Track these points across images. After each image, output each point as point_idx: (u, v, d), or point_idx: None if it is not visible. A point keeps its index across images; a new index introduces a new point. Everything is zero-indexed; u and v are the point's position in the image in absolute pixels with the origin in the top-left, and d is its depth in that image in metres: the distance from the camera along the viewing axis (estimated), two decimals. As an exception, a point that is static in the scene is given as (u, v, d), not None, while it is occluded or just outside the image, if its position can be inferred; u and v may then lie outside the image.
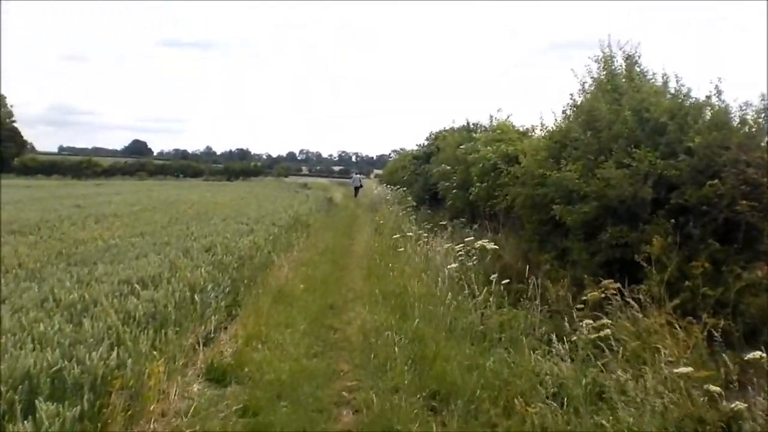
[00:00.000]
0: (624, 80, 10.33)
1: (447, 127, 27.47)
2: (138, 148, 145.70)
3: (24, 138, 75.44)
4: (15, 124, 73.67)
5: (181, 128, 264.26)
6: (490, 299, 8.71)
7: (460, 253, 11.62)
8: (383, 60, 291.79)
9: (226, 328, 8.02)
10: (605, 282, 7.72)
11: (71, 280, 7.71)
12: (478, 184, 15.69)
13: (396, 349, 6.83)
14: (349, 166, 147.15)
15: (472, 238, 10.82)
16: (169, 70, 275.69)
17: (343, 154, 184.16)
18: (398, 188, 32.30)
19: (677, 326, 6.26)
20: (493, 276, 9.55)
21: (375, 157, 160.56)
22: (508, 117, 19.37)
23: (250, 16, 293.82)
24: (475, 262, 10.35)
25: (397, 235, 14.23)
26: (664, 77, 9.91)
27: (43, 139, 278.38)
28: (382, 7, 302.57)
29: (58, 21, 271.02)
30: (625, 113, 9.07)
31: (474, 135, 19.51)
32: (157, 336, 5.96)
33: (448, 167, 19.99)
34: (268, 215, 18.45)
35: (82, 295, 6.73)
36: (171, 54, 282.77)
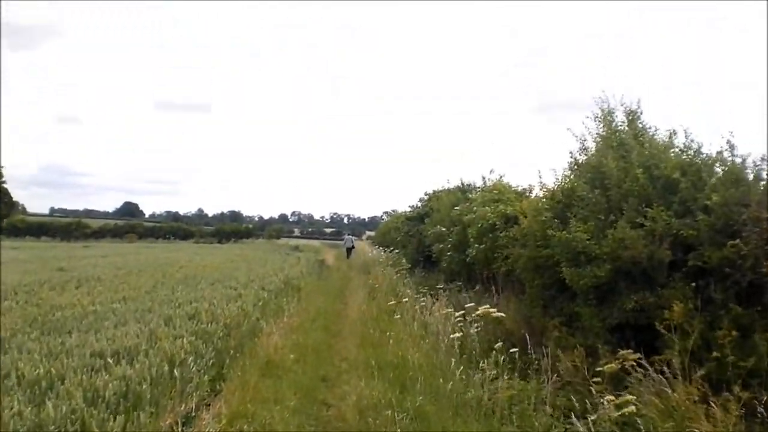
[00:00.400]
0: (628, 136, 9.89)
1: (441, 188, 27.10)
2: (129, 209, 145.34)
3: (13, 199, 74.73)
4: (5, 185, 73.10)
5: (172, 190, 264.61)
6: (496, 370, 8.08)
7: (459, 319, 11.02)
8: (374, 119, 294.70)
9: (209, 405, 7.28)
10: (623, 352, 7.12)
11: (40, 352, 7.05)
12: (476, 245, 15.15)
13: (397, 430, 6.11)
14: (341, 228, 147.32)
15: (473, 304, 10.20)
16: (162, 132, 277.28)
17: (335, 216, 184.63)
18: (391, 250, 31.75)
19: (711, 403, 5.65)
20: (497, 344, 8.95)
21: (367, 219, 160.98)
22: (500, 177, 19.03)
23: (241, 77, 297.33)
24: (477, 330, 9.72)
25: (393, 301, 13.58)
26: (671, 132, 9.47)
27: (35, 201, 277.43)
28: (379, 62, 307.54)
29: (53, 82, 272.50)
30: (636, 170, 8.59)
31: (469, 195, 19.06)
32: (128, 419, 5.28)
33: (443, 229, 19.46)
34: (258, 279, 17.81)
35: (48, 370, 6.06)
36: (164, 117, 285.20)
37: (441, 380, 7.79)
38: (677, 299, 7.33)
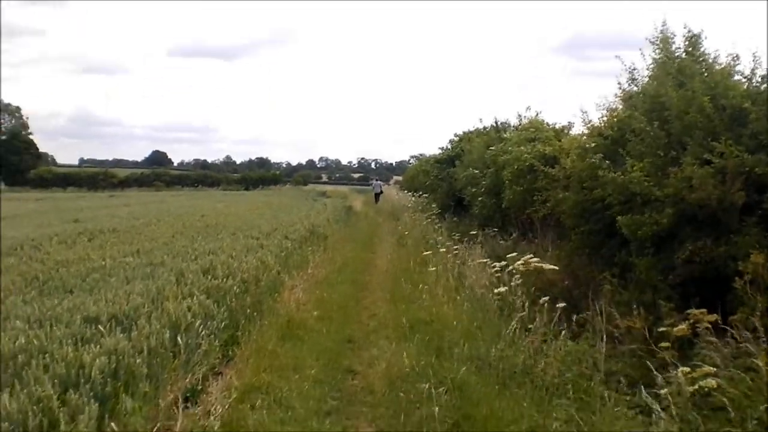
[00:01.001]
0: (687, 62, 8.67)
1: (473, 129, 25.92)
2: (158, 158, 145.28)
3: (40, 150, 74.80)
4: (31, 136, 73.19)
5: (201, 138, 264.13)
6: (544, 330, 7.14)
7: (497, 269, 10.07)
8: (401, 64, 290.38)
9: (220, 374, 6.46)
10: (694, 311, 6.10)
11: (29, 318, 6.23)
12: (512, 188, 14.12)
13: (435, 408, 5.16)
14: (368, 173, 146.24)
15: (515, 254, 9.19)
16: (189, 79, 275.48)
17: (362, 161, 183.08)
18: (420, 194, 30.74)
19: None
20: (543, 299, 7.98)
21: (395, 164, 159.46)
22: (537, 114, 17.87)
23: (269, 21, 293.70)
24: (518, 282, 8.73)
25: (427, 252, 12.58)
26: (733, 57, 8.27)
27: (64, 152, 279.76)
28: (399, 11, 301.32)
29: (79, 33, 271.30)
30: (702, 99, 7.43)
31: (504, 135, 17.88)
32: (114, 405, 4.43)
33: (476, 171, 18.34)
34: (282, 227, 16.93)
35: (29, 342, 5.21)
36: (190, 63, 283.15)
37: (483, 344, 6.87)
38: (753, 248, 6.30)
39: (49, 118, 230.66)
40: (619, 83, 9.95)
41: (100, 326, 5.79)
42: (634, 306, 6.99)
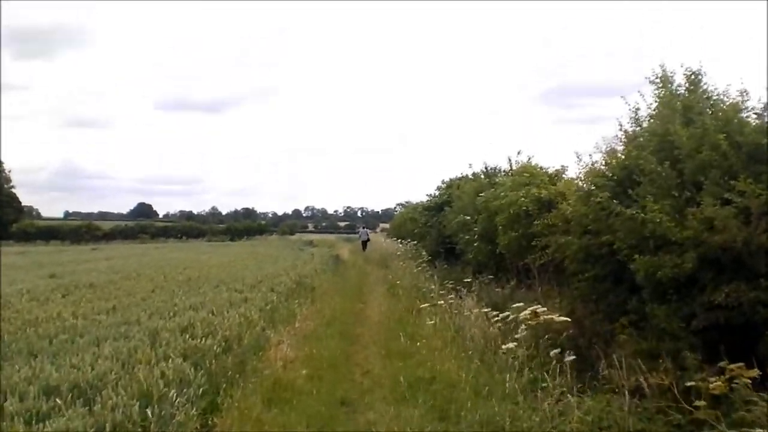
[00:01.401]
0: (691, 101, 8.20)
1: (461, 175, 25.46)
2: (143, 210, 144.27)
3: (22, 203, 73.77)
4: (13, 190, 72.23)
5: (186, 191, 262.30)
6: (557, 385, 6.48)
7: (496, 319, 9.45)
8: (384, 114, 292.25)
9: (196, 449, 5.71)
10: (731, 366, 5.47)
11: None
12: (508, 233, 13.55)
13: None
14: (354, 221, 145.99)
15: (520, 304, 8.55)
16: (174, 132, 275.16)
17: (348, 210, 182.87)
18: (409, 242, 30.15)
19: None
20: (554, 352, 7.36)
21: (380, 211, 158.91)
22: (529, 159, 17.38)
23: (254, 75, 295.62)
24: (524, 335, 8.08)
25: (422, 303, 11.87)
26: (742, 92, 7.78)
27: (50, 205, 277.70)
28: (382, 61, 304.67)
29: (64, 88, 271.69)
30: (716, 137, 6.93)
31: (496, 180, 17.38)
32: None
33: (467, 217, 17.79)
34: (267, 279, 16.23)
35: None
36: (175, 116, 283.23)
37: (493, 404, 6.17)
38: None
39: (35, 172, 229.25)
40: (620, 124, 9.43)
41: (59, 399, 5.06)
42: (659, 358, 6.39)
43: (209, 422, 6.13)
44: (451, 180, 27.53)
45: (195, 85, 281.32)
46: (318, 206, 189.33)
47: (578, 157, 10.88)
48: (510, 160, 18.48)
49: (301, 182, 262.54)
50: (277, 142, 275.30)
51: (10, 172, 72.58)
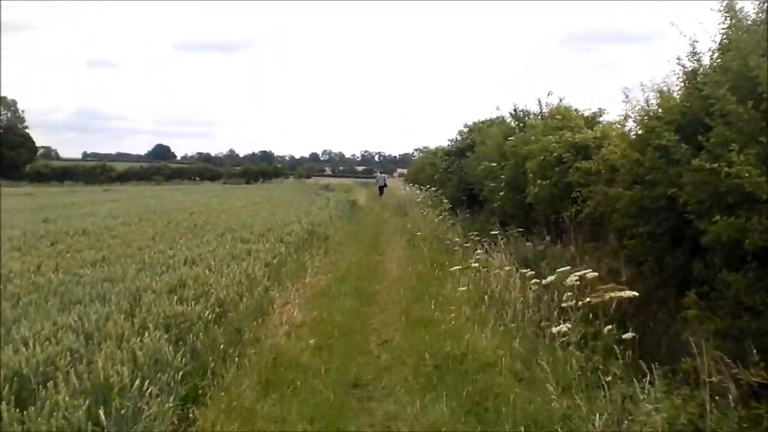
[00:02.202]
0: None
1: (485, 118, 23.97)
2: (161, 152, 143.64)
3: (36, 143, 72.91)
4: (27, 130, 71.38)
5: (204, 132, 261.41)
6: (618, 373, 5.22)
7: (534, 282, 8.17)
8: (404, 57, 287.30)
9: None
10: None
11: None
12: (539, 182, 12.24)
13: None
14: (372, 166, 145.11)
15: (568, 267, 7.24)
16: (193, 73, 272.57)
17: (366, 154, 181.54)
18: (428, 188, 28.84)
19: None
20: (608, 328, 6.11)
21: (398, 156, 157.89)
22: (560, 101, 15.90)
23: (272, 17, 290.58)
24: (573, 307, 6.75)
25: (455, 267, 10.52)
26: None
27: (68, 146, 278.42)
28: (403, 3, 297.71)
29: (82, 27, 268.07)
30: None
31: (525, 123, 15.92)
32: None
33: (493, 164, 16.38)
34: (278, 227, 15.01)
35: None
36: (194, 57, 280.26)
37: (540, 396, 4.95)
38: None
39: (52, 112, 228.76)
40: (678, 59, 7.89)
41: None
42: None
43: (189, 415, 4.93)
44: (474, 123, 26.06)
45: (214, 24, 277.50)
46: (336, 150, 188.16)
47: (625, 96, 9.48)
48: (540, 102, 16.98)
49: (319, 126, 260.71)
50: (295, 85, 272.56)
51: (23, 112, 71.71)
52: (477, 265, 10.01)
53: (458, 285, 9.15)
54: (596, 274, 7.12)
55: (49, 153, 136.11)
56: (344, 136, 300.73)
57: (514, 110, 18.20)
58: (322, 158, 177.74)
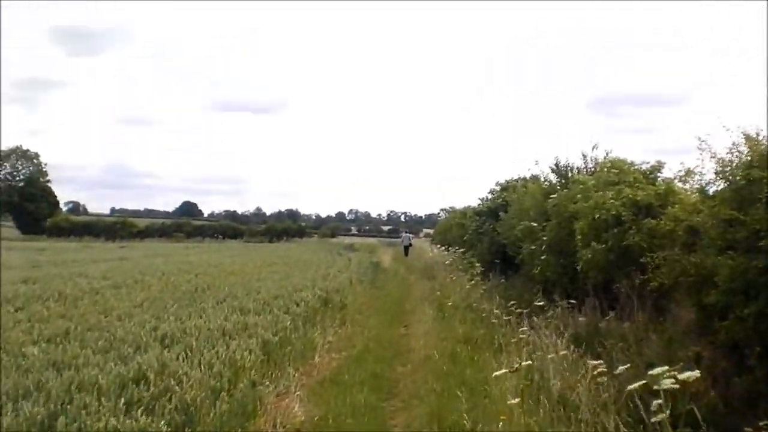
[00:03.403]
0: None
1: (519, 176, 22.21)
2: (188, 209, 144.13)
3: (57, 198, 72.25)
4: (50, 184, 70.79)
5: (233, 190, 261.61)
6: None
7: (599, 372, 6.22)
8: (431, 120, 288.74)
9: None
10: None
11: None
12: (593, 244, 10.43)
13: None
14: (397, 226, 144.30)
15: (665, 368, 5.26)
16: (224, 132, 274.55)
17: (392, 214, 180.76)
18: (456, 249, 26.91)
19: None
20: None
21: (423, 216, 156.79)
22: (606, 155, 14.13)
23: (302, 79, 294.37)
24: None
25: (501, 371, 8.56)
26: None
27: (97, 202, 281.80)
28: (430, 69, 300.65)
29: (115, 86, 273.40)
30: None
31: (572, 179, 14.08)
32: None
33: (534, 224, 14.49)
34: (289, 293, 13.15)
35: None
36: (225, 117, 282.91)
37: None
38: None
39: (83, 168, 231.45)
40: None
41: None
42: None
43: None
44: (507, 181, 24.23)
45: (245, 86, 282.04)
46: (362, 210, 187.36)
47: (702, 143, 7.78)
48: (584, 156, 15.18)
49: (345, 185, 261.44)
50: (322, 144, 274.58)
51: (46, 165, 71.16)
52: (524, 346, 8.08)
53: (501, 368, 7.18)
54: (697, 374, 5.16)
55: (77, 208, 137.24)
56: (370, 196, 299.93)
57: (556, 165, 16.38)
58: (348, 217, 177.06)
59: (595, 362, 6.85)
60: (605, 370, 6.18)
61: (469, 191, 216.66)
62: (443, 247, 32.45)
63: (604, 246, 10.25)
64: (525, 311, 11.01)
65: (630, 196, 10.30)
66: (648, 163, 12.03)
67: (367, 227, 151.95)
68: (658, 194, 10.16)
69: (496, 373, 6.33)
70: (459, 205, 47.51)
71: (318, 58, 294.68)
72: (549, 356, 7.98)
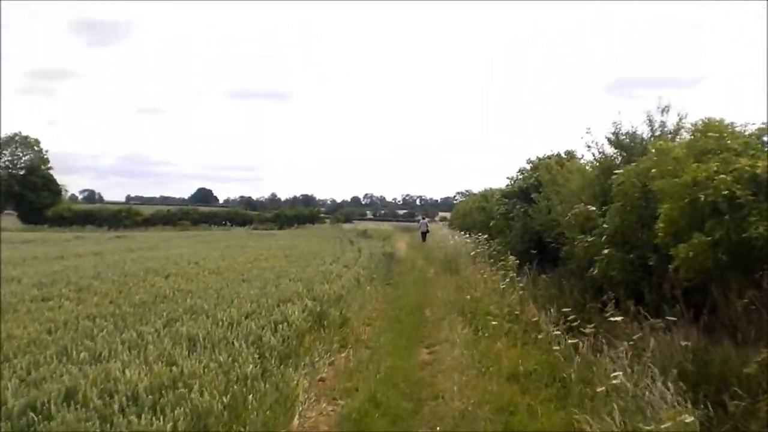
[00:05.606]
0: None
1: (551, 153, 19.01)
2: (203, 195, 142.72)
3: (59, 185, 69.27)
4: (51, 171, 67.82)
5: (248, 176, 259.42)
6: None
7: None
8: (446, 103, 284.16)
9: None
10: None
11: None
12: (696, 236, 7.19)
13: None
14: (413, 209, 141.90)
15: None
16: (239, 119, 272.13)
17: (407, 198, 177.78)
18: (479, 235, 23.52)
19: None
20: None
21: (439, 200, 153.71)
22: (685, 116, 10.82)
23: (315, 64, 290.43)
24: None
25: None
26: None
27: (113, 190, 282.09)
28: (444, 53, 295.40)
29: (132, 75, 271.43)
30: None
31: (654, 145, 10.51)
32: None
33: (592, 207, 11.03)
34: (270, 306, 9.85)
35: None
36: (241, 104, 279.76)
37: None
38: None
39: (100, 157, 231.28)
40: None
41: None
42: None
43: None
44: (539, 159, 20.67)
45: (259, 73, 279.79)
46: (377, 194, 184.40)
47: None
48: (651, 120, 11.64)
49: (360, 170, 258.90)
50: (337, 130, 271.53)
51: (47, 152, 68.09)
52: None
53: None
54: None
55: (93, 196, 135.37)
56: (386, 180, 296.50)
57: (614, 133, 12.70)
58: (363, 202, 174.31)
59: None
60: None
61: (486, 174, 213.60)
62: (464, 233, 29.17)
63: (709, 239, 6.98)
64: (591, 327, 7.92)
65: (748, 167, 6.99)
66: (753, 124, 8.53)
67: (383, 211, 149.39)
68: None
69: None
70: (476, 188, 44.76)
71: (332, 43, 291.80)
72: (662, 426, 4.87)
